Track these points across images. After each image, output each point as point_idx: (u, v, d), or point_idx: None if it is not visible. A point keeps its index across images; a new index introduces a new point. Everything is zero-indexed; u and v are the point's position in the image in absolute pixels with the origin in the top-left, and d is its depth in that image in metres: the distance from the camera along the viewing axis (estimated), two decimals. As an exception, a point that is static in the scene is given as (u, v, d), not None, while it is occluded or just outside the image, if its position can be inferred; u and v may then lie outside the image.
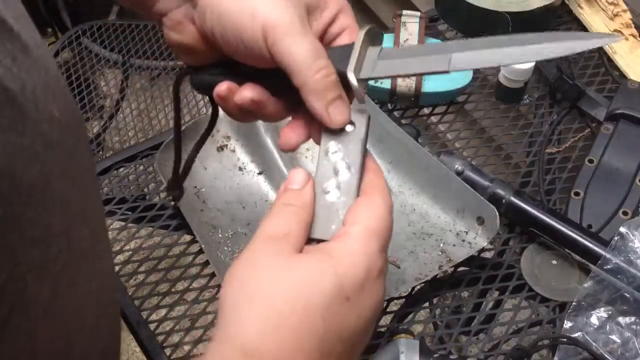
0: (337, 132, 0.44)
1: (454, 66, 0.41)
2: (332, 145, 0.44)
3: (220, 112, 0.87)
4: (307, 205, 0.39)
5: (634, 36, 0.94)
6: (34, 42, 0.27)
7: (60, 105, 0.27)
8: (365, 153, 0.45)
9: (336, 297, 0.35)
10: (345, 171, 0.44)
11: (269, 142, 0.80)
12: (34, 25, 0.28)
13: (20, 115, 0.24)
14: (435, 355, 0.62)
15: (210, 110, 0.80)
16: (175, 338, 0.70)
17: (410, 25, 0.89)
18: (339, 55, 0.42)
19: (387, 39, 0.90)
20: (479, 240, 0.72)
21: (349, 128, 0.44)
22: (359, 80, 0.42)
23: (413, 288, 0.72)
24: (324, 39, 0.44)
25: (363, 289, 0.37)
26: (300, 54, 0.40)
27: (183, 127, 0.80)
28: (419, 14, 0.91)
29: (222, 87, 0.44)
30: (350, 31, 0.44)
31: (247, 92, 0.44)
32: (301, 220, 0.39)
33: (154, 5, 0.44)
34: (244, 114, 0.45)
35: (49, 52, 0.29)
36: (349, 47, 0.43)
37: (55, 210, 0.27)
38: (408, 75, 0.42)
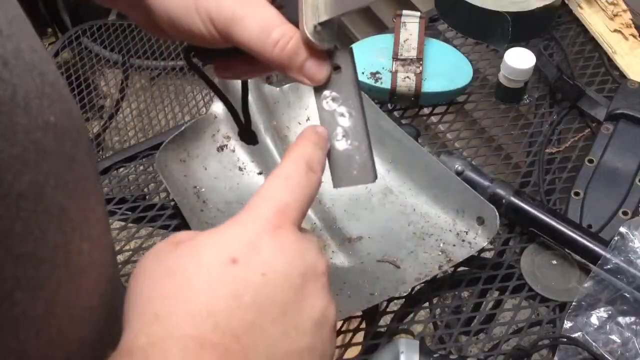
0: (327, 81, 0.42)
1: None
2: (327, 93, 0.43)
3: (220, 111, 0.87)
4: None
5: (634, 36, 0.94)
6: (28, 46, 0.26)
7: (57, 111, 0.26)
8: (360, 90, 0.43)
9: (216, 260, 0.31)
10: (347, 116, 0.43)
11: (269, 142, 0.80)
12: (31, 27, 0.27)
13: (9, 123, 0.23)
14: (435, 355, 0.62)
15: (211, 106, 0.80)
16: (175, 338, 0.70)
17: (410, 25, 0.89)
18: (291, 3, 0.41)
19: (387, 39, 0.90)
20: (479, 240, 0.72)
21: (335, 73, 0.42)
22: (316, 29, 0.40)
23: (413, 288, 0.72)
24: None
25: (256, 247, 0.31)
26: (252, 37, 0.39)
27: (183, 127, 0.80)
28: (419, 14, 0.91)
29: (217, 72, 0.46)
30: None
31: (238, 67, 0.45)
32: None
33: (117, 5, 0.44)
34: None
35: (48, 56, 0.27)
36: None
37: (49, 223, 0.25)
38: (364, 6, 0.40)
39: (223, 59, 0.46)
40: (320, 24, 0.40)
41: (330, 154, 0.42)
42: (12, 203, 0.23)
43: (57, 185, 0.26)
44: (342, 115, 0.43)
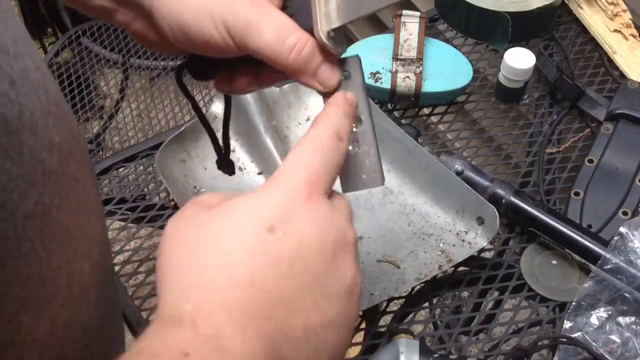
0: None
1: None
2: None
3: (220, 111, 0.87)
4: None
5: (634, 36, 0.94)
6: (33, 64, 0.26)
7: (61, 130, 0.26)
8: (368, 96, 0.44)
9: (254, 227, 0.31)
10: (357, 122, 0.43)
11: (269, 142, 0.80)
12: (34, 45, 0.27)
13: (16, 143, 0.23)
14: (435, 355, 0.62)
15: (211, 106, 0.80)
16: (175, 338, 0.70)
17: (410, 25, 0.90)
18: (302, 8, 0.41)
19: (387, 39, 0.90)
20: (479, 240, 0.72)
21: (346, 77, 0.43)
22: (330, 35, 0.42)
23: (413, 288, 0.72)
24: None
25: (289, 218, 0.32)
26: (269, 45, 0.39)
27: (183, 127, 0.80)
28: (419, 14, 0.91)
29: (218, 85, 0.46)
30: None
31: (241, 81, 0.45)
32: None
33: (115, 15, 0.44)
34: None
35: (49, 73, 0.27)
36: None
37: (54, 243, 0.25)
38: (375, 12, 0.42)
39: (226, 71, 0.46)
40: (334, 29, 0.41)
41: None
42: (19, 223, 0.23)
43: (61, 205, 0.26)
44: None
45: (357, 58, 0.44)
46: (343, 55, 0.44)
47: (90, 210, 0.29)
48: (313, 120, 0.39)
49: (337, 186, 0.41)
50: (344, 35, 0.43)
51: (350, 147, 0.42)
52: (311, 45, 0.41)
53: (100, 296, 0.30)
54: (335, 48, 0.42)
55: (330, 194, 0.35)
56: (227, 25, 0.39)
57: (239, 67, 0.45)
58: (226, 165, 0.55)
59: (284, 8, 0.42)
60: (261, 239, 0.31)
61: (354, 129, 0.43)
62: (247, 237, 0.31)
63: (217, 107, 0.82)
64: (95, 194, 0.30)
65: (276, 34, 0.39)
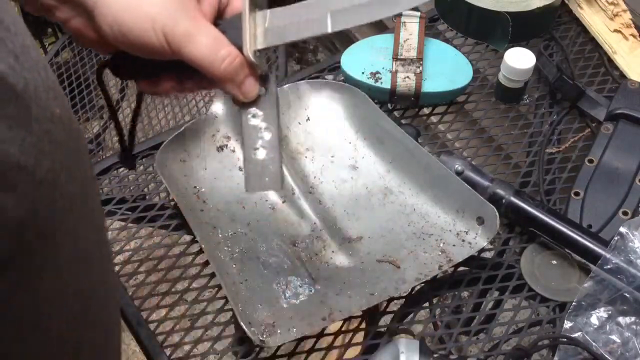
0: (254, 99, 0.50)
1: (333, 27, 0.47)
2: (252, 110, 0.50)
3: (220, 111, 0.87)
4: None
5: (634, 36, 0.94)
6: (31, 43, 0.27)
7: (60, 105, 0.27)
8: (279, 111, 0.51)
9: None
10: (267, 131, 0.50)
11: (269, 142, 0.80)
12: (27, 29, 0.29)
13: (26, 113, 0.24)
14: (435, 355, 0.62)
15: (211, 106, 0.81)
16: (175, 338, 0.70)
17: (410, 25, 0.89)
18: (232, 27, 0.48)
19: (387, 39, 0.90)
20: (479, 240, 0.72)
21: (261, 92, 0.50)
22: (255, 52, 0.48)
23: (413, 288, 0.72)
24: (218, 9, 0.49)
25: None
26: (203, 54, 0.45)
27: (183, 127, 0.80)
28: (419, 14, 0.91)
29: (143, 85, 0.51)
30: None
31: (166, 85, 0.51)
32: None
33: (55, 12, 0.47)
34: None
35: (41, 53, 0.29)
36: (239, 18, 0.48)
37: (62, 210, 0.27)
38: (297, 41, 0.50)
39: (151, 74, 0.52)
40: (259, 50, 0.49)
41: (247, 162, 0.50)
42: (37, 188, 0.24)
43: (68, 176, 0.27)
44: (262, 129, 0.50)
45: (274, 76, 0.51)
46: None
47: (90, 179, 0.31)
48: None
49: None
50: (266, 56, 0.52)
51: (258, 152, 0.49)
52: (240, 60, 0.47)
53: (101, 270, 0.32)
54: (259, 66, 0.48)
55: None
56: (166, 32, 0.44)
57: (163, 72, 0.51)
58: (128, 159, 0.61)
59: (216, 25, 0.48)
60: None
61: (266, 138, 0.50)
62: None
63: (217, 107, 0.82)
64: (92, 170, 0.32)
65: (210, 46, 0.46)
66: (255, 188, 0.51)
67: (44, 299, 0.26)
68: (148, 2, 0.45)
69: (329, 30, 0.47)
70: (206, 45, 0.46)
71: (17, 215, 0.23)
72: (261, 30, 0.49)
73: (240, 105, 0.51)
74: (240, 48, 0.47)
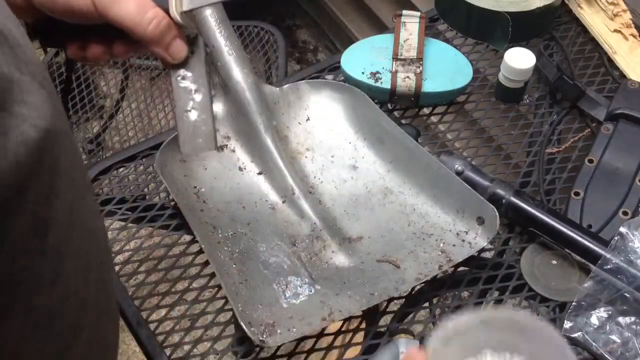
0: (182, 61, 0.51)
1: None
2: (181, 72, 0.51)
3: (220, 111, 0.87)
4: None
5: (634, 36, 0.94)
6: None
7: (34, 53, 0.28)
8: (209, 71, 0.52)
9: None
10: (197, 93, 0.50)
11: (269, 142, 0.80)
12: None
13: (16, 55, 0.25)
14: (435, 355, 0.62)
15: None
16: (175, 338, 0.70)
17: (410, 25, 0.90)
18: None
19: (387, 39, 0.90)
20: (479, 240, 0.72)
21: (190, 53, 0.51)
22: (182, 14, 0.49)
23: (413, 288, 0.72)
24: None
25: None
26: (129, 15, 0.46)
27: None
28: (419, 14, 0.91)
29: (72, 51, 0.52)
30: None
31: (96, 50, 0.51)
32: None
33: None
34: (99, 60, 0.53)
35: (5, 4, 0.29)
36: None
37: (56, 144, 0.27)
38: (219, 2, 0.54)
39: (79, 40, 0.52)
40: (185, 12, 0.49)
41: (180, 123, 0.50)
42: (48, 101, 0.25)
43: (54, 110, 0.27)
44: (193, 91, 0.50)
45: (201, 38, 0.51)
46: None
47: (68, 122, 0.31)
48: None
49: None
50: (193, 18, 0.50)
51: (190, 114, 0.50)
52: (167, 22, 0.47)
53: (90, 204, 0.32)
54: (186, 27, 0.49)
55: None
56: None
57: (91, 37, 0.51)
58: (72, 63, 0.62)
59: None
60: None
61: (196, 99, 0.50)
62: None
63: (217, 107, 0.82)
64: (70, 125, 0.32)
65: (137, 8, 0.46)
66: (189, 149, 0.52)
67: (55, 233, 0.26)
68: None
69: None
70: (133, 7, 0.46)
71: (41, 125, 0.24)
72: None
73: (170, 67, 0.51)
74: (166, 10, 0.48)
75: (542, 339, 0.40)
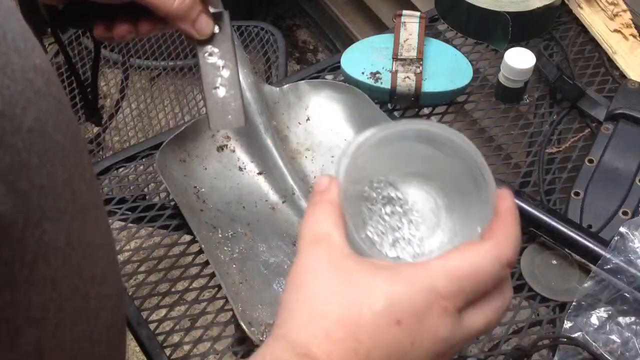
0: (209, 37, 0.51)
1: None
2: (208, 49, 0.51)
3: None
4: (334, 200, 0.39)
5: (634, 36, 0.94)
6: None
7: (39, 55, 0.27)
8: (235, 47, 0.51)
9: (386, 317, 0.35)
10: (225, 69, 0.50)
11: (269, 142, 0.80)
12: None
13: (7, 61, 0.24)
14: (435, 355, 0.62)
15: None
16: (175, 338, 0.70)
17: (410, 25, 0.90)
18: None
19: (387, 39, 0.90)
20: (479, 240, 0.72)
21: (216, 30, 0.50)
22: None
23: (413, 288, 0.72)
24: None
25: (420, 320, 0.35)
26: None
27: (183, 127, 0.80)
28: (419, 14, 0.91)
29: (98, 32, 0.52)
30: None
31: (122, 29, 0.51)
32: (333, 215, 0.39)
33: None
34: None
35: (16, 6, 0.28)
36: None
37: (55, 159, 0.27)
38: None
39: (105, 20, 0.52)
40: None
41: (209, 100, 0.50)
42: (26, 137, 0.24)
43: (54, 124, 0.27)
44: (220, 67, 0.50)
45: (227, 14, 0.51)
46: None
47: (77, 131, 0.30)
48: (487, 230, 0.39)
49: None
50: None
51: (219, 90, 0.50)
52: None
53: (97, 217, 0.32)
54: (212, 3, 0.50)
55: (462, 308, 0.37)
56: None
57: (117, 16, 0.51)
58: (93, 115, 0.61)
59: None
60: (387, 325, 0.35)
61: (224, 75, 0.50)
62: (377, 320, 0.35)
63: (217, 107, 0.82)
64: (75, 118, 0.32)
65: None
66: (219, 125, 0.52)
67: (44, 255, 0.26)
68: None
69: None
70: None
71: (3, 166, 0.23)
72: None
73: (197, 43, 0.51)
74: None
75: (455, 151, 0.41)
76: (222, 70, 0.50)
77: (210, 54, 0.51)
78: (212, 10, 0.51)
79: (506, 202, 0.40)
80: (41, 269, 0.25)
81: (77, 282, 0.29)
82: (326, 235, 0.38)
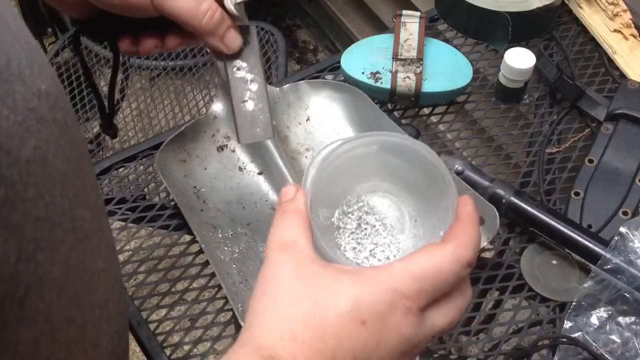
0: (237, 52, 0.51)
1: None
2: (237, 63, 0.51)
3: (220, 111, 0.87)
4: (301, 209, 0.40)
5: (634, 36, 0.94)
6: (11, 15, 0.26)
7: (45, 79, 0.27)
8: (262, 61, 0.52)
9: (351, 318, 0.36)
10: (254, 83, 0.51)
11: (268, 142, 0.80)
12: (7, 1, 0.28)
13: (9, 90, 0.24)
14: (435, 355, 0.62)
15: (211, 106, 0.80)
16: (175, 338, 0.70)
17: (410, 25, 0.90)
18: None
19: (387, 39, 0.90)
20: (479, 240, 0.72)
21: (243, 46, 0.51)
22: (236, 5, 0.50)
23: (413, 288, 0.72)
24: None
25: (384, 319, 0.36)
26: (185, 8, 0.46)
27: (183, 127, 0.80)
28: (419, 14, 0.91)
29: (124, 46, 0.52)
30: None
31: (149, 43, 0.51)
32: (300, 223, 0.40)
33: None
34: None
35: (25, 25, 0.28)
36: None
37: (55, 189, 0.26)
38: None
39: (131, 34, 0.52)
40: (238, 3, 0.50)
41: (238, 114, 0.51)
42: (23, 168, 0.24)
43: (56, 151, 0.27)
44: (248, 81, 0.51)
45: (254, 28, 0.52)
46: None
47: (82, 155, 0.30)
48: (447, 232, 0.41)
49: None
50: (245, 9, 0.51)
51: (247, 104, 0.50)
52: (220, 13, 0.48)
53: (100, 243, 0.31)
54: (240, 18, 0.50)
55: (424, 307, 0.38)
56: None
57: (143, 30, 0.51)
58: (109, 127, 0.61)
59: None
60: (352, 325, 0.36)
61: (252, 89, 0.51)
62: (343, 321, 0.36)
63: (218, 107, 0.82)
64: (83, 141, 0.32)
65: (193, 0, 0.46)
66: (248, 138, 0.52)
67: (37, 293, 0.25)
68: None
69: None
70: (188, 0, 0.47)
71: None
72: None
73: (225, 58, 0.51)
74: (219, 2, 0.49)
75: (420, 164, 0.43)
76: (250, 84, 0.51)
77: (238, 68, 0.51)
78: (238, 23, 0.51)
79: (467, 207, 0.41)
80: (33, 304, 0.25)
81: (74, 312, 0.28)
82: (293, 241, 0.39)
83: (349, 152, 0.42)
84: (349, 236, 0.43)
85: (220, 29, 0.49)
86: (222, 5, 0.49)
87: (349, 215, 0.44)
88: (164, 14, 0.47)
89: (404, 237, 0.44)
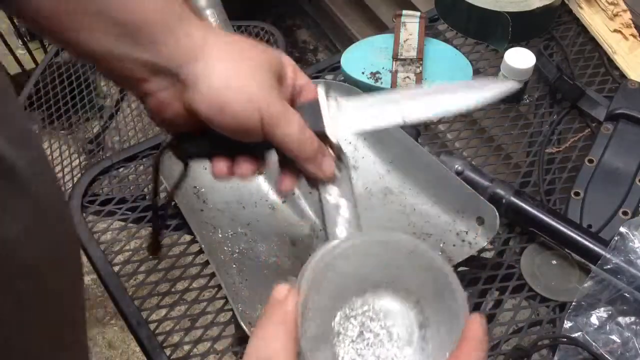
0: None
1: (405, 119, 0.49)
2: (329, 189, 0.50)
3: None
4: (289, 317, 0.38)
5: (634, 36, 0.94)
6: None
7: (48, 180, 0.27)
8: (353, 186, 0.52)
9: None
10: (346, 208, 0.50)
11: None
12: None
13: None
14: (435, 355, 0.62)
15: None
16: (175, 338, 0.70)
17: (410, 25, 0.90)
18: (308, 113, 0.49)
19: (387, 39, 0.90)
20: (479, 240, 0.72)
21: (337, 172, 0.51)
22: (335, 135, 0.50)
23: (413, 288, 0.72)
24: (291, 98, 0.50)
25: None
26: (294, 135, 0.46)
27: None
28: (419, 14, 0.91)
29: (220, 167, 0.50)
30: (307, 87, 0.50)
31: (246, 167, 0.50)
32: (283, 335, 0.38)
33: (143, 84, 0.46)
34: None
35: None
36: (315, 104, 0.49)
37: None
38: (368, 130, 0.51)
39: (225, 156, 0.51)
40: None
41: (331, 239, 0.48)
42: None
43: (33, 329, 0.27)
44: (342, 207, 0.50)
45: (346, 155, 0.52)
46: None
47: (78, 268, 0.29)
48: (453, 355, 0.39)
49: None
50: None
51: (338, 230, 0.49)
52: (319, 141, 0.48)
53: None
54: (338, 147, 0.50)
55: None
56: (262, 113, 0.44)
57: (240, 152, 0.50)
58: (158, 250, 0.60)
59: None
60: None
61: (345, 215, 0.50)
62: None
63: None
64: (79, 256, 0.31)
65: (299, 127, 0.46)
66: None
67: None
68: (246, 81, 0.44)
69: (402, 123, 0.49)
70: (296, 127, 0.46)
71: None
72: (335, 119, 0.50)
73: (319, 184, 0.51)
74: (319, 134, 0.49)
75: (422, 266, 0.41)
76: (342, 209, 0.51)
77: (330, 194, 0.51)
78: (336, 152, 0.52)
79: (474, 329, 0.40)
80: None
81: None
82: (267, 358, 0.37)
83: (348, 252, 0.41)
84: (348, 345, 0.41)
85: (318, 157, 0.49)
86: (323, 133, 0.49)
87: (351, 320, 0.41)
88: (270, 140, 0.47)
89: (410, 352, 0.41)
